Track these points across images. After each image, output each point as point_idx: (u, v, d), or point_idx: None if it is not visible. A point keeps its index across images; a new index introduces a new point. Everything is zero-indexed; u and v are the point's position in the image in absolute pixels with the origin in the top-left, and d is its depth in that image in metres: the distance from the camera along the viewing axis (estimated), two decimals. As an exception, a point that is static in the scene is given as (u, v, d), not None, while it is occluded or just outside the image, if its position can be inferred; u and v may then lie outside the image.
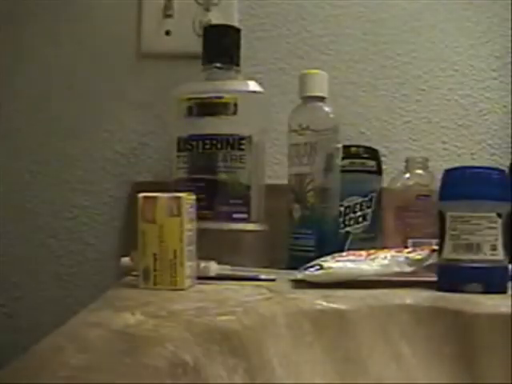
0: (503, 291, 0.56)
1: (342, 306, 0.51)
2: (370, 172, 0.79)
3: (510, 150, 0.89)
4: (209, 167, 0.71)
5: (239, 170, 0.71)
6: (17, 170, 0.90)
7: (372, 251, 0.63)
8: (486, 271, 0.56)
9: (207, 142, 0.71)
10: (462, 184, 0.58)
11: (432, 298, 0.54)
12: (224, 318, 0.44)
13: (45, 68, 0.91)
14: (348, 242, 0.76)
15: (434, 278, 0.59)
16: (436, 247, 0.59)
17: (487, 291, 0.56)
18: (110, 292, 0.56)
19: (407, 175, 0.79)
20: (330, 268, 0.59)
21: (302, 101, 0.75)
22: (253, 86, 0.73)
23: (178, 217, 0.56)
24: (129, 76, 0.91)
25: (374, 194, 0.78)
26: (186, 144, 0.72)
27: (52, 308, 0.88)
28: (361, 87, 0.91)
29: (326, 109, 0.73)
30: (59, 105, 0.91)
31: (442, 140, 0.91)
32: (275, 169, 0.88)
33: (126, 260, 0.64)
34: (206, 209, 0.70)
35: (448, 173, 0.60)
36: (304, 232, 0.71)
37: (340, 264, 0.60)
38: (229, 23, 0.84)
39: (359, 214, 0.77)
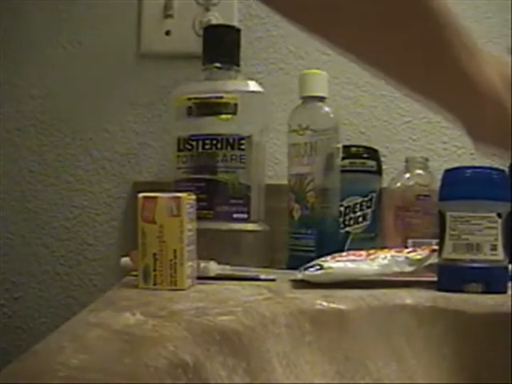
0: (503, 291, 0.56)
1: (342, 306, 0.51)
2: (370, 172, 0.79)
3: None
4: (209, 167, 0.71)
5: (239, 169, 0.71)
6: (17, 170, 0.90)
7: (372, 251, 0.63)
8: (486, 271, 0.56)
9: (207, 142, 0.71)
10: (462, 184, 0.58)
11: (432, 297, 0.54)
12: (224, 317, 0.44)
13: (45, 68, 0.91)
14: (348, 242, 0.76)
15: (434, 278, 0.59)
16: (436, 247, 0.59)
17: (487, 291, 0.56)
18: (109, 292, 0.56)
19: (407, 175, 0.79)
20: (329, 268, 0.59)
21: (302, 101, 0.75)
22: (253, 86, 0.73)
23: (178, 217, 0.56)
24: (129, 76, 0.91)
25: (374, 194, 0.78)
26: (186, 144, 0.72)
27: (52, 308, 0.88)
28: (361, 87, 0.91)
29: (326, 109, 0.73)
30: (59, 105, 0.91)
31: (441, 140, 0.91)
32: (275, 169, 0.88)
33: (125, 260, 0.64)
34: (205, 209, 0.70)
35: (448, 173, 0.60)
36: (304, 232, 0.71)
37: (340, 264, 0.60)
38: (229, 23, 0.84)
39: (359, 214, 0.77)
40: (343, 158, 0.75)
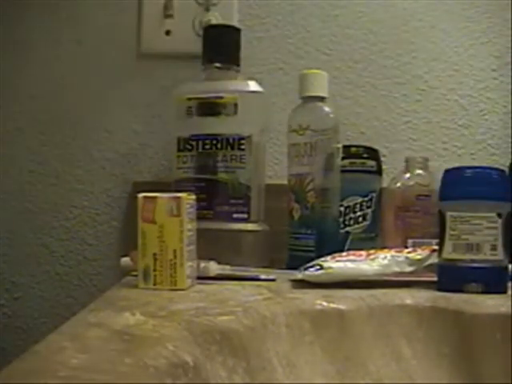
0: (503, 291, 0.56)
1: (342, 306, 0.51)
2: (370, 172, 0.79)
3: (510, 149, 0.89)
4: (209, 167, 0.71)
5: (239, 169, 0.71)
6: (17, 170, 0.90)
7: (372, 251, 0.63)
8: (486, 271, 0.56)
9: (207, 141, 0.71)
10: (462, 184, 0.58)
11: (432, 297, 0.54)
12: (224, 317, 0.44)
13: (45, 68, 0.91)
14: (348, 242, 0.76)
15: (434, 278, 0.59)
16: (436, 247, 0.59)
17: (487, 291, 0.56)
18: (109, 292, 0.56)
19: (407, 175, 0.79)
20: (329, 268, 0.59)
21: (302, 101, 0.75)
22: (253, 86, 0.73)
23: (178, 217, 0.56)
24: (129, 76, 0.91)
25: (373, 194, 0.78)
26: (186, 144, 0.72)
27: (52, 308, 0.88)
28: (361, 87, 0.91)
29: (326, 109, 0.73)
30: (59, 105, 0.91)
31: (442, 140, 0.91)
32: (275, 169, 0.88)
33: (126, 260, 0.64)
34: (206, 209, 0.70)
35: (448, 173, 0.60)
36: (304, 232, 0.71)
37: (340, 264, 0.60)
38: (229, 23, 0.84)
39: (359, 213, 0.77)
40: (343, 158, 0.75)
